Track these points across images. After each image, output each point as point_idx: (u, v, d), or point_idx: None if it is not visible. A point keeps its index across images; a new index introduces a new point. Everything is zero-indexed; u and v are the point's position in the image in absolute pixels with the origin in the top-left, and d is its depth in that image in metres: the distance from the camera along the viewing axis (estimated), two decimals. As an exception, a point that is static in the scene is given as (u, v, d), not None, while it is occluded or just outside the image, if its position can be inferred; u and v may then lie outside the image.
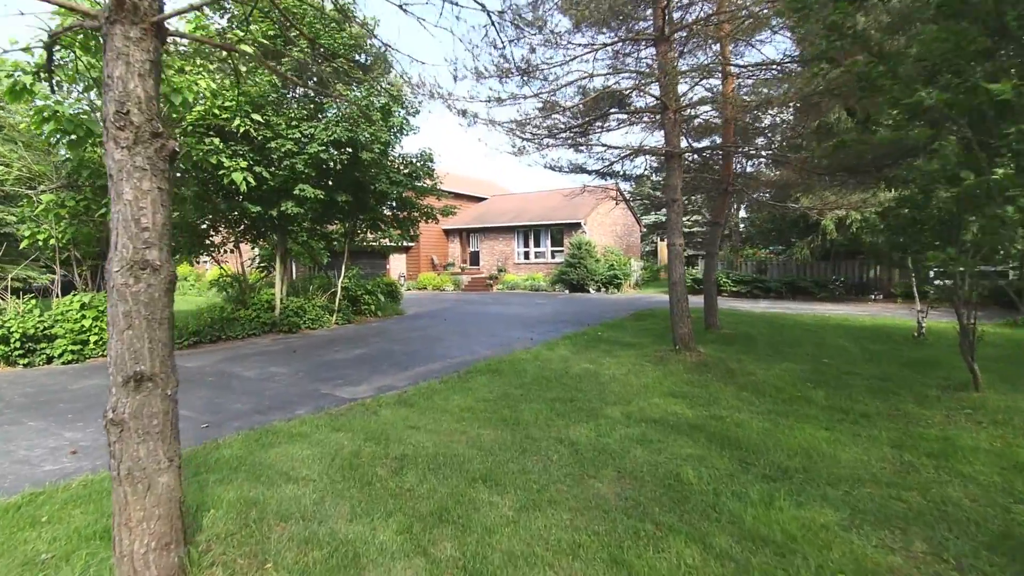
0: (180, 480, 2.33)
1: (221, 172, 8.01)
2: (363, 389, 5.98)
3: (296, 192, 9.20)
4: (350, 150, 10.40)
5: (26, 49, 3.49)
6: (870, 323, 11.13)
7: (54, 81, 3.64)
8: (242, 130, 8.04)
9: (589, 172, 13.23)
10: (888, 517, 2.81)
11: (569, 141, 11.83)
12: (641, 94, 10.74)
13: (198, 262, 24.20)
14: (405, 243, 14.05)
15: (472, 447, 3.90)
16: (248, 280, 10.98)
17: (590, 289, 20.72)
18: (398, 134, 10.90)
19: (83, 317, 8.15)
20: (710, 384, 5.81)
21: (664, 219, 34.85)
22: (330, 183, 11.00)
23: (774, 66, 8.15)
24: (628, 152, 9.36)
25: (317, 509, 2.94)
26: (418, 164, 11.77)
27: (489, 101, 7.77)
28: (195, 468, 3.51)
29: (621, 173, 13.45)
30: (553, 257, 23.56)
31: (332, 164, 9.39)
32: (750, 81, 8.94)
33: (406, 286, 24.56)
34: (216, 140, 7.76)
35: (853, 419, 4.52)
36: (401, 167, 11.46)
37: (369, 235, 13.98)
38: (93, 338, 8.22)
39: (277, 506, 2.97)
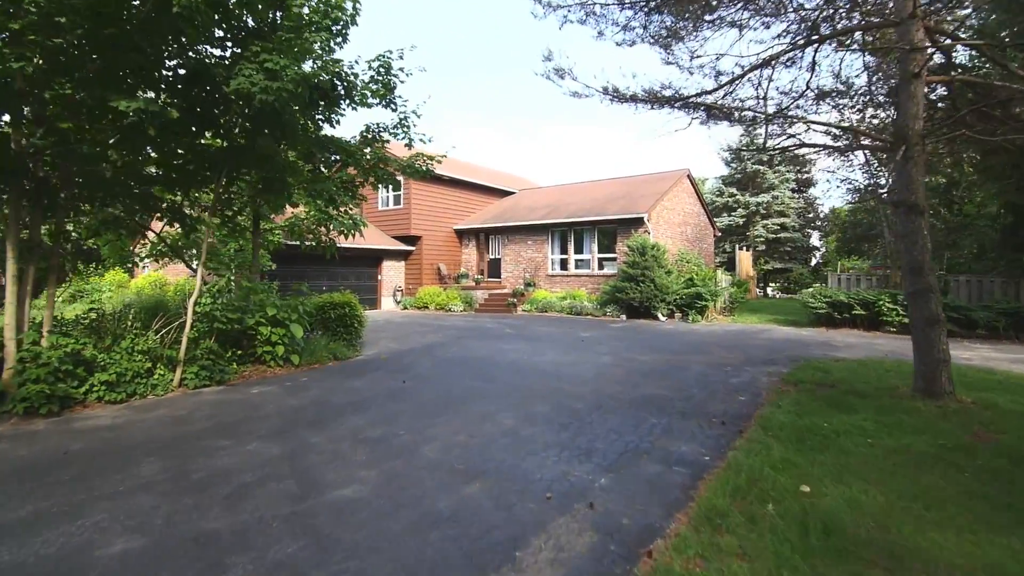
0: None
1: None
2: None
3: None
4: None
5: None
6: None
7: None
8: None
9: (687, 101, 7.00)
10: None
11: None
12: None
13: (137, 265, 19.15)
14: (357, 229, 7.87)
15: None
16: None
17: (659, 314, 13.97)
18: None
19: None
20: None
21: (741, 222, 27.22)
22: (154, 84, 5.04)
23: None
24: None
25: None
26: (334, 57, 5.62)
27: None
28: None
29: (741, 108, 7.10)
30: (601, 267, 17.00)
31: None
32: None
33: (402, 303, 18.58)
34: None
35: None
36: (300, 50, 5.32)
37: (279, 212, 8.02)
38: None
39: None
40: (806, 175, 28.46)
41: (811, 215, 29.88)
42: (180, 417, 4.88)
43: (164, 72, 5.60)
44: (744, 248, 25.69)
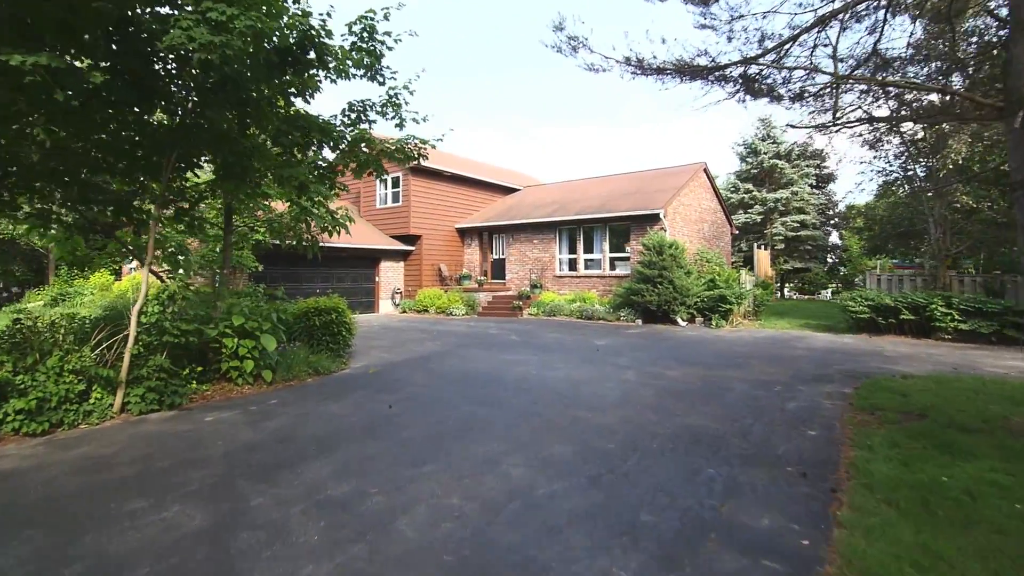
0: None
1: None
2: None
3: None
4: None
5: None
6: None
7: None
8: None
9: (725, 71, 6.02)
10: None
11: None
12: None
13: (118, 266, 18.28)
14: (341, 226, 6.87)
15: None
16: None
17: (679, 319, 12.85)
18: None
19: None
20: None
21: (758, 219, 25.63)
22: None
23: None
24: None
25: None
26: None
27: None
28: None
29: (792, 68, 6.10)
30: (612, 268, 15.90)
31: None
32: None
33: (400, 306, 17.58)
34: None
35: None
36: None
37: (247, 202, 7.03)
38: None
39: None
40: (827, 170, 27.15)
41: (831, 212, 28.55)
42: (102, 459, 3.84)
43: (99, 32, 4.61)
44: (762, 247, 24.46)
